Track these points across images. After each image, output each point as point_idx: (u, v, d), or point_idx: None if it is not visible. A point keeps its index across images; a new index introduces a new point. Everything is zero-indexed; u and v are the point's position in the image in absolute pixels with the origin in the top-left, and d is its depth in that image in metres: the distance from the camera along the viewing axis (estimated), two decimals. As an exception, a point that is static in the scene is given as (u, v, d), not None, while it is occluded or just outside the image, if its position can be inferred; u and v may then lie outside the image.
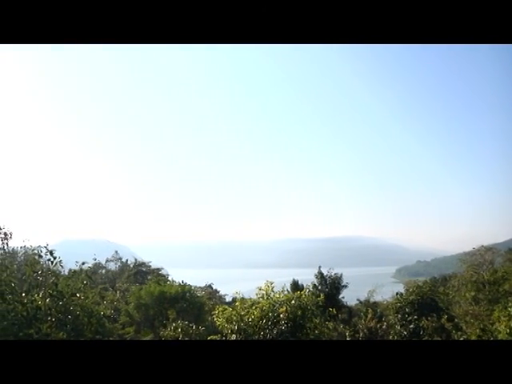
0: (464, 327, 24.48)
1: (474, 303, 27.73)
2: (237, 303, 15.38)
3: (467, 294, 28.87)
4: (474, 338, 19.78)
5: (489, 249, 35.90)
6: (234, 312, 14.71)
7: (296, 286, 33.22)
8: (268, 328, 14.07)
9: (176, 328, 19.88)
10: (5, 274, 16.08)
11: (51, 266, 16.53)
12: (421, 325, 23.83)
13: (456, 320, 25.98)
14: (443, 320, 23.47)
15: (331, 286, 34.21)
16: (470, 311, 26.68)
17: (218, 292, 54.61)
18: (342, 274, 35.35)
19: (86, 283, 17.94)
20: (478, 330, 20.09)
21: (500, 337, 16.51)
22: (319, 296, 16.61)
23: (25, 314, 14.75)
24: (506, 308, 17.94)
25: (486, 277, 29.78)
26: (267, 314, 14.37)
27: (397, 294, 29.44)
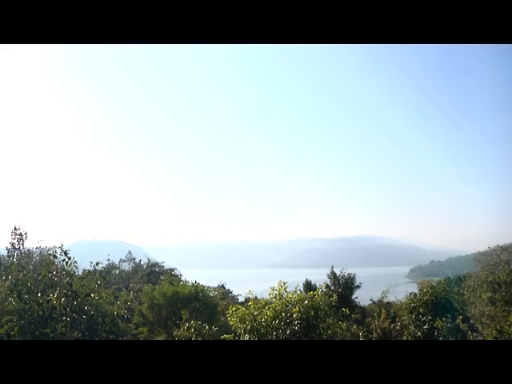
0: (480, 328, 24.15)
1: (490, 304, 27.32)
2: (250, 303, 15.40)
3: (483, 295, 28.46)
4: (490, 339, 19.50)
5: (505, 249, 35.34)
6: (246, 312, 14.73)
7: (309, 286, 33.15)
8: (281, 328, 14.05)
9: (189, 328, 19.96)
10: (21, 274, 16.35)
11: (66, 267, 16.74)
12: (435, 325, 23.55)
13: (471, 321, 25.63)
14: (458, 321, 23.17)
15: (344, 286, 34.04)
16: (486, 312, 26.30)
17: (231, 292, 54.71)
18: (355, 274, 35.16)
19: (100, 283, 18.12)
20: (494, 332, 19.79)
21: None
22: (332, 296, 16.54)
23: (41, 313, 14.98)
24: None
25: (502, 277, 29.30)
26: (280, 314, 14.36)
27: (410, 294, 29.13)
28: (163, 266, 57.69)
